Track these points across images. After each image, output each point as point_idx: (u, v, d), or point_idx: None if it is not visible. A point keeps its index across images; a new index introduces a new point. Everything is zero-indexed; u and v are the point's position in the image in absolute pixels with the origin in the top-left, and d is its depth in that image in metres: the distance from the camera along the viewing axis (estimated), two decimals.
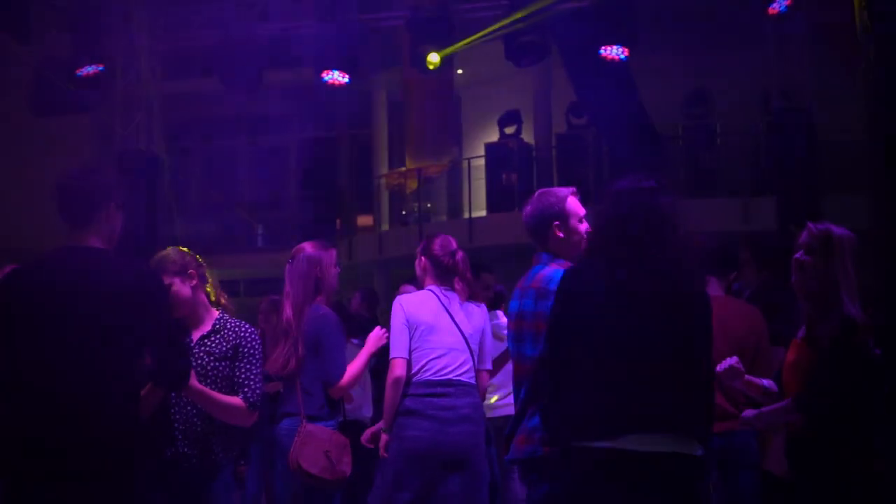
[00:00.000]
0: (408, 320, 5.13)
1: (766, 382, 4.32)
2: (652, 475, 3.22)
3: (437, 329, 5.17)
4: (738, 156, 15.39)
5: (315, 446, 4.98)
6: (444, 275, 5.29)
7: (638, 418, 3.24)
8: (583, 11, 10.03)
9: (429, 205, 17.78)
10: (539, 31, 9.90)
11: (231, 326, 4.25)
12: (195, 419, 4.09)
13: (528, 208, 4.38)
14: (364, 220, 19.49)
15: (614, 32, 9.94)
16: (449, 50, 10.62)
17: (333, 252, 5.40)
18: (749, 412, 4.18)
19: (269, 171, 21.22)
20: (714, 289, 5.63)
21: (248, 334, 4.24)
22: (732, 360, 4.27)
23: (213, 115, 20.60)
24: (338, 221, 19.61)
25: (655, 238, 3.39)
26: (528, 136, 17.06)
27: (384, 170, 19.17)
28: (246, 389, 4.12)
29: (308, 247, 5.33)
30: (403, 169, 18.09)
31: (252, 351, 4.20)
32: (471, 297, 5.41)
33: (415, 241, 15.73)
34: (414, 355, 5.12)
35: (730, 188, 15.30)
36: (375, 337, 5.34)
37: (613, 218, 3.49)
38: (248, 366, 4.16)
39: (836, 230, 4.08)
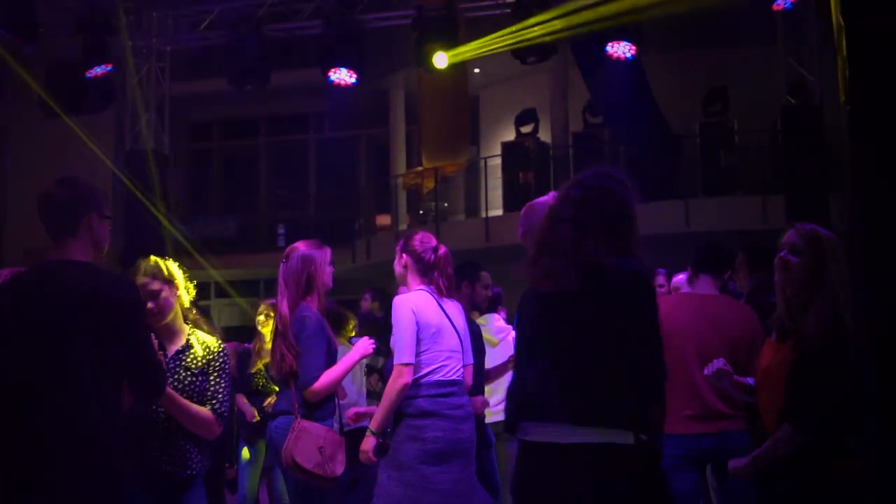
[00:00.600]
0: (418, 323, 5.04)
1: (751, 381, 4.27)
2: (573, 465, 3.27)
3: (442, 331, 5.12)
4: (756, 154, 15.26)
5: (309, 441, 4.96)
6: (427, 272, 5.22)
7: (558, 411, 3.30)
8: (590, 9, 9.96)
9: (445, 204, 17.78)
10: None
11: (201, 339, 4.30)
12: (175, 432, 4.11)
13: (520, 228, 4.39)
14: (383, 220, 19.54)
15: (622, 30, 9.85)
16: (457, 51, 10.58)
17: (328, 251, 5.37)
18: (737, 462, 4.03)
19: (290, 170, 21.34)
20: (708, 287, 5.60)
21: (220, 348, 4.31)
22: (720, 363, 4.22)
23: (234, 115, 20.74)
24: (360, 221, 19.69)
25: (608, 221, 3.40)
26: (544, 135, 17.04)
27: (401, 169, 19.19)
28: (214, 401, 4.16)
29: (302, 246, 5.32)
30: (420, 168, 18.09)
31: (223, 364, 4.26)
32: (450, 293, 5.35)
33: None
34: (424, 357, 5.04)
35: (748, 186, 15.18)
36: (363, 347, 5.31)
37: (575, 194, 3.50)
38: (218, 378, 4.21)
39: (823, 232, 4.04)
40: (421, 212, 18.20)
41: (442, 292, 5.23)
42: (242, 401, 7.09)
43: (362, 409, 6.40)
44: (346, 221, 19.79)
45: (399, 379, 4.95)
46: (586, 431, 3.25)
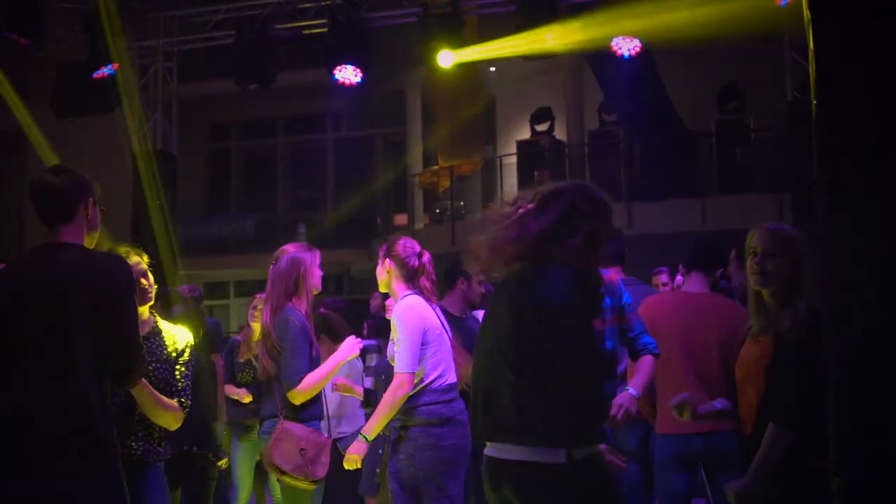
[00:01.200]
0: (425, 330, 4.99)
1: (718, 405, 4.21)
2: (512, 481, 3.31)
3: (442, 334, 5.10)
4: (772, 152, 15.12)
5: (290, 442, 4.94)
6: (412, 277, 5.17)
7: (494, 429, 3.36)
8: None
9: (461, 203, 17.75)
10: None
11: (168, 329, 4.31)
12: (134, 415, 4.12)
13: None
14: (400, 219, 19.56)
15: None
16: (463, 50, 10.56)
17: (317, 254, 5.33)
18: (735, 485, 3.83)
19: (308, 169, 21.41)
20: (699, 285, 5.57)
21: (186, 339, 4.31)
22: (684, 395, 4.18)
23: (253, 115, 20.81)
24: (377, 220, 19.73)
25: (560, 231, 3.39)
26: (560, 133, 16.96)
27: (418, 168, 19.19)
28: (182, 396, 4.17)
29: (291, 248, 5.30)
30: (436, 167, 18.08)
31: (190, 358, 4.28)
32: (435, 297, 5.32)
33: (448, 239, 15.87)
34: (431, 361, 4.98)
35: (764, 184, 15.03)
36: (348, 346, 5.25)
37: (540, 200, 3.51)
38: (185, 371, 4.24)
39: (791, 229, 4.01)
40: (437, 210, 18.19)
41: (429, 298, 5.20)
42: (231, 389, 7.13)
43: (350, 382, 6.35)
44: (365, 220, 19.84)
45: (402, 388, 4.88)
46: (519, 450, 3.27)
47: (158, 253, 9.79)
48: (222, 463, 5.96)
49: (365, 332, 10.19)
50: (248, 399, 6.99)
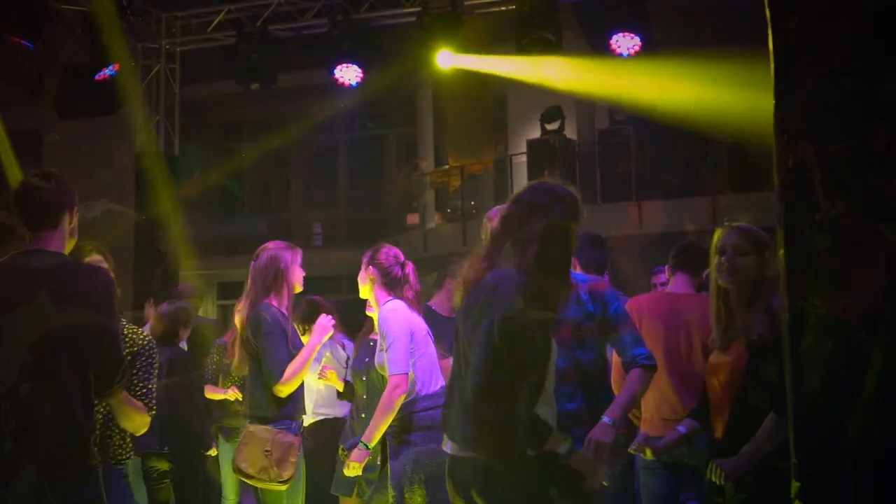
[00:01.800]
0: (412, 332, 5.03)
1: (682, 429, 4.18)
2: (467, 476, 3.50)
3: (427, 338, 5.14)
4: None
5: (255, 445, 4.96)
6: (394, 285, 5.18)
7: (450, 430, 3.58)
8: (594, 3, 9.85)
9: (472, 202, 17.71)
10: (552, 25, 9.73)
11: (128, 331, 4.31)
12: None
13: None
14: (413, 219, 19.55)
15: (627, 23, 9.67)
16: (464, 54, 10.52)
17: (299, 252, 5.37)
18: (724, 463, 3.87)
19: (321, 169, 21.43)
20: (684, 286, 5.55)
21: (146, 342, 4.33)
22: (641, 438, 4.26)
23: (266, 115, 20.82)
24: (390, 219, 19.72)
25: (516, 238, 3.43)
26: (570, 132, 16.87)
27: (430, 168, 19.16)
28: (146, 399, 4.18)
29: (271, 245, 5.35)
30: (447, 167, 18.05)
31: (150, 360, 4.28)
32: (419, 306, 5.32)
33: (459, 238, 15.82)
34: (420, 365, 5.02)
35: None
36: (321, 327, 5.24)
37: (505, 209, 3.63)
38: (146, 375, 4.24)
39: (761, 230, 4.02)
40: (449, 210, 18.16)
41: (412, 306, 5.19)
42: (212, 389, 7.16)
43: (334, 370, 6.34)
44: (378, 220, 19.83)
45: (398, 389, 4.90)
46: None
47: (161, 253, 9.87)
48: (211, 452, 5.97)
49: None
50: (234, 396, 7.01)
